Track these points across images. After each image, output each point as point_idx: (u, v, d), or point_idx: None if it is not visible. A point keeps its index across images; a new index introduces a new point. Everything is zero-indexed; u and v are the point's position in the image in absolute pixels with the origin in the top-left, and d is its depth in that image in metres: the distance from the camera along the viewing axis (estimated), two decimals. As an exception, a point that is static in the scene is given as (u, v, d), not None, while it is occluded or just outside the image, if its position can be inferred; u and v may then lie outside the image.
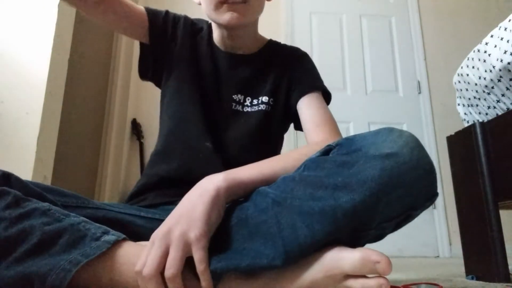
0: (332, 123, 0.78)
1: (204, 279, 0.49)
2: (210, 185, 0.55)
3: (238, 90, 0.83)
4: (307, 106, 0.81)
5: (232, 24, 0.76)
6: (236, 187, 0.57)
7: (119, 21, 0.80)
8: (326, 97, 0.86)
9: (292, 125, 0.92)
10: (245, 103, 0.83)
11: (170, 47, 0.85)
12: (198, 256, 0.49)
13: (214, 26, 0.87)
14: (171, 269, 0.48)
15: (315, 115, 0.79)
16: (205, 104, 0.81)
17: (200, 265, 0.48)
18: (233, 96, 0.83)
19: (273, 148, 0.88)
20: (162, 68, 0.86)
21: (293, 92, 0.84)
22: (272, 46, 0.91)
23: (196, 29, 0.89)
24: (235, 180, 0.57)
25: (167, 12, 0.87)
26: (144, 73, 0.87)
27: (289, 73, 0.85)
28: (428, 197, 0.53)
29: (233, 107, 0.82)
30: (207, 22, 0.91)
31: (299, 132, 0.86)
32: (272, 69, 0.86)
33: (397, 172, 0.48)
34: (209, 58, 0.85)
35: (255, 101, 0.83)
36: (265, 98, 0.83)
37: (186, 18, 0.89)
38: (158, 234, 0.50)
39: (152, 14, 0.84)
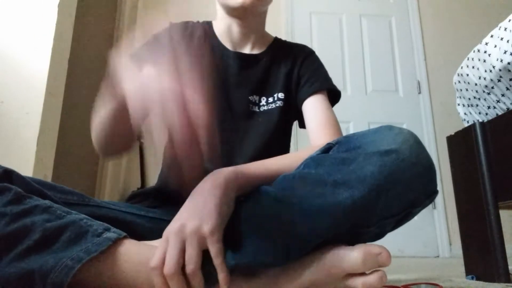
0: (336, 126, 0.79)
1: (221, 271, 0.49)
2: (220, 178, 0.55)
3: (253, 91, 0.83)
4: (312, 107, 0.81)
5: (247, 5, 0.75)
6: (245, 182, 0.58)
7: None
8: (334, 95, 0.86)
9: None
10: (261, 103, 0.83)
11: None
12: (215, 250, 0.49)
13: (221, 18, 0.85)
14: (190, 265, 0.48)
15: (321, 117, 0.79)
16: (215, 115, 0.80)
17: (217, 259, 0.48)
18: (249, 98, 0.82)
19: (287, 142, 0.88)
20: None
21: (301, 89, 0.84)
22: (280, 44, 0.92)
23: (190, 32, 0.85)
24: (244, 174, 0.58)
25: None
26: None
27: (298, 70, 0.86)
28: (427, 194, 0.54)
29: (250, 108, 0.82)
30: (206, 22, 0.89)
31: (299, 133, 0.86)
32: (283, 66, 0.86)
33: (397, 168, 0.49)
34: (216, 61, 0.83)
35: (270, 99, 0.83)
36: (281, 95, 0.83)
37: (171, 27, 0.84)
38: (171, 230, 0.50)
39: None
